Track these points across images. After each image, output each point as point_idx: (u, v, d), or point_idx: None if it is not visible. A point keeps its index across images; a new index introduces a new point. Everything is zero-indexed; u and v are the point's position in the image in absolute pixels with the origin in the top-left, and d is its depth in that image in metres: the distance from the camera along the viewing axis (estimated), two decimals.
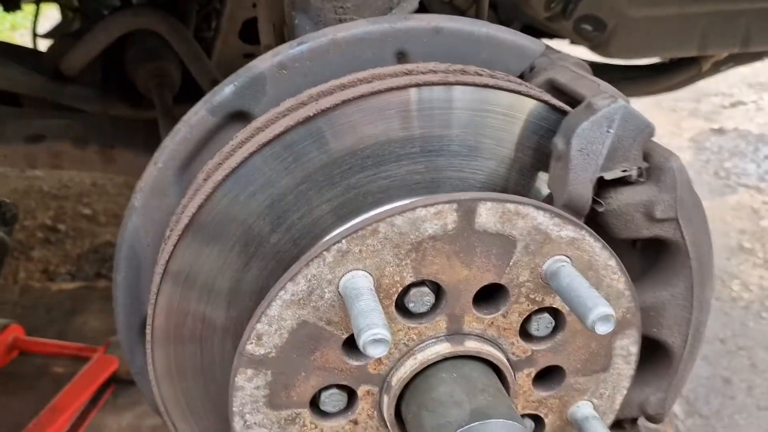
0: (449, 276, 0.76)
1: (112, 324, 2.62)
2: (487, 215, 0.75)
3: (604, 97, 0.81)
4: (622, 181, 0.84)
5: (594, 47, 1.52)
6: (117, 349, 2.15)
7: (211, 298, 0.84)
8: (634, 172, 0.84)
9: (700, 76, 1.92)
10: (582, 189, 0.81)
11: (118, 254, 0.92)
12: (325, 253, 0.74)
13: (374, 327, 0.66)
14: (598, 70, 1.11)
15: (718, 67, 1.96)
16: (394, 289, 0.76)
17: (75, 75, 1.70)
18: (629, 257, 0.90)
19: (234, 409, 0.78)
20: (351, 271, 0.74)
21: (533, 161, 0.88)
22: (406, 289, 0.77)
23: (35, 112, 1.69)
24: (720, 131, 4.57)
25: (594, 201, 0.84)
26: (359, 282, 0.73)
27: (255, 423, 0.79)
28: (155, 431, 2.02)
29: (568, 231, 0.77)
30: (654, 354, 0.94)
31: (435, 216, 0.74)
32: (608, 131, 0.80)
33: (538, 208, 0.76)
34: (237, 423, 0.79)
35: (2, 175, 3.45)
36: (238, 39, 1.81)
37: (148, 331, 0.85)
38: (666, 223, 0.85)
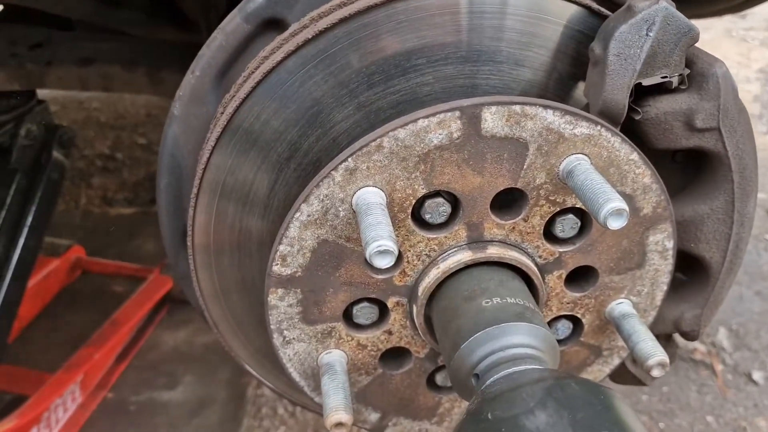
0: (462, 185, 0.76)
1: None
2: (493, 120, 0.74)
3: None
4: (662, 89, 0.81)
5: None
6: (172, 270, 2.25)
7: (247, 207, 0.86)
8: (675, 79, 0.81)
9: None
10: (618, 95, 0.79)
11: (161, 162, 0.95)
12: (333, 172, 0.74)
13: (379, 239, 0.67)
14: None
15: None
16: (408, 202, 0.76)
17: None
18: (668, 170, 0.87)
19: (272, 326, 0.82)
20: (361, 188, 0.75)
21: (572, 69, 0.86)
22: (421, 201, 0.77)
23: (86, 36, 1.73)
24: None
25: (631, 109, 0.81)
26: (369, 198, 0.74)
27: (293, 338, 0.82)
28: (207, 348, 2.13)
29: (582, 128, 0.76)
30: (691, 269, 0.92)
31: (438, 126, 0.74)
32: (648, 34, 0.77)
33: (546, 107, 0.75)
34: (276, 339, 0.82)
35: (62, 106, 3.57)
36: None
37: (189, 238, 0.88)
38: (707, 133, 0.82)
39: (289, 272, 0.78)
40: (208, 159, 0.85)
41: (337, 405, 0.76)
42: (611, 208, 0.68)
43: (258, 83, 0.81)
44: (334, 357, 0.83)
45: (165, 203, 0.96)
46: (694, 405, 1.92)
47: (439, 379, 0.90)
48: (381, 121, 0.82)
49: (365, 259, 0.78)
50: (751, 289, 2.37)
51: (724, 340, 2.16)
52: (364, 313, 0.83)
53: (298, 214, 0.76)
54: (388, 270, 0.80)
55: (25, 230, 1.66)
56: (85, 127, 3.45)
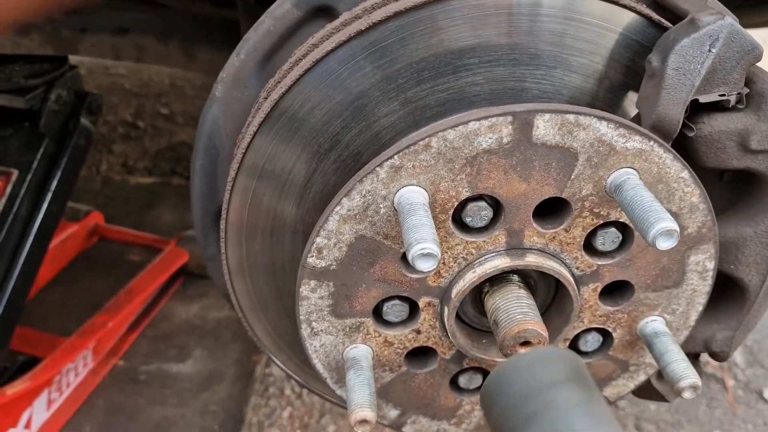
0: (507, 190, 0.75)
1: (184, 219, 2.73)
2: (545, 127, 0.73)
3: (710, 14, 0.75)
4: (718, 107, 0.80)
5: None
6: (188, 243, 2.25)
7: (283, 194, 0.85)
8: (732, 98, 0.79)
9: None
10: (673, 111, 0.77)
11: (198, 142, 0.94)
12: (378, 169, 0.73)
13: (423, 241, 0.66)
14: None
15: None
16: (450, 203, 0.75)
17: None
18: (715, 188, 0.86)
19: (301, 317, 0.81)
20: (405, 186, 0.74)
21: (624, 79, 0.84)
22: (463, 204, 0.76)
23: (123, 5, 1.72)
24: None
25: (684, 125, 0.79)
26: (412, 197, 0.73)
27: (321, 330, 0.82)
28: (219, 323, 2.13)
29: (634, 142, 0.74)
30: (727, 290, 0.91)
31: (489, 129, 0.72)
32: (710, 50, 0.75)
33: (600, 118, 0.73)
34: (304, 330, 0.82)
35: (89, 70, 3.56)
36: None
37: (222, 220, 0.88)
38: (761, 155, 0.80)
39: (323, 265, 0.78)
40: (250, 142, 0.84)
41: (362, 402, 0.76)
42: (662, 229, 0.66)
43: (306, 71, 0.80)
44: (361, 352, 0.82)
45: (198, 184, 0.95)
46: (702, 418, 1.91)
47: (463, 381, 0.90)
48: (426, 118, 0.81)
49: (402, 259, 0.78)
50: None
51: (737, 356, 2.14)
52: (395, 310, 0.82)
53: (338, 208, 0.75)
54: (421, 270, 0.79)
55: (50, 195, 1.66)
56: (110, 93, 3.44)
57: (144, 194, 2.72)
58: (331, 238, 0.76)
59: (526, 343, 0.76)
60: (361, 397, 0.76)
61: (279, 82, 0.84)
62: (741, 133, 0.79)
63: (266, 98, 0.84)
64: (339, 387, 0.86)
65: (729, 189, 0.87)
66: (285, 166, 0.84)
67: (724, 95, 0.79)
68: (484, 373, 0.89)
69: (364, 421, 0.75)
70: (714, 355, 0.94)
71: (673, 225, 0.66)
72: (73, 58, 1.85)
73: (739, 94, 0.79)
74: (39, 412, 1.71)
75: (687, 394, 0.77)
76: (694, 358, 0.96)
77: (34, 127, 1.66)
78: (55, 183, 1.67)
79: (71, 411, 1.81)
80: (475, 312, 0.86)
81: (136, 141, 3.12)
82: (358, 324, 0.82)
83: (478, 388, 0.90)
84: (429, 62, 0.80)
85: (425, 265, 0.66)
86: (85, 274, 2.25)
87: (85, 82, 3.40)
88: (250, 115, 0.88)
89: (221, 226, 0.89)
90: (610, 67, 0.83)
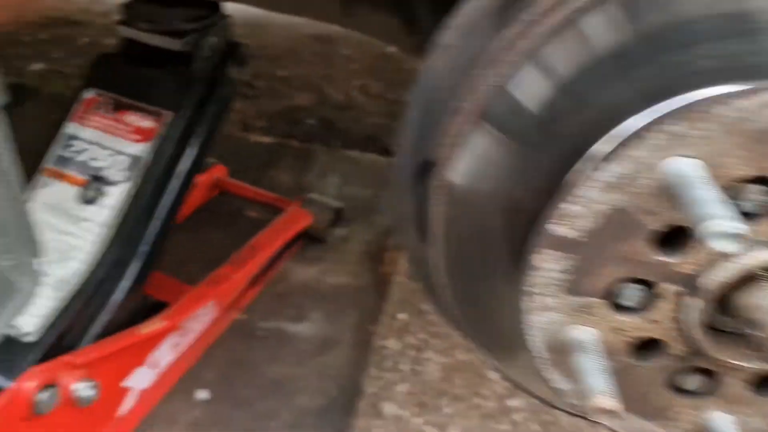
0: None
1: (301, 181, 2.71)
2: None
3: None
4: None
5: None
6: (310, 205, 2.23)
7: (528, 152, 0.78)
8: None
9: None
10: None
11: (415, 92, 0.88)
12: (648, 134, 0.65)
13: (724, 218, 0.58)
14: None
15: None
16: (726, 184, 0.66)
17: None
18: None
19: (525, 287, 0.74)
20: (679, 157, 0.65)
21: None
22: (740, 185, 0.67)
23: None
24: None
25: None
26: (688, 169, 0.64)
27: (546, 306, 0.74)
28: (336, 289, 2.11)
29: None
30: None
31: None
32: None
33: None
34: (526, 303, 0.75)
35: None
36: None
37: (436, 177, 0.81)
38: None
39: (568, 234, 0.70)
40: (479, 97, 0.78)
41: (602, 388, 0.69)
42: None
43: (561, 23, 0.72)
44: (587, 335, 0.75)
45: (408, 137, 0.89)
46: None
47: (682, 381, 0.81)
48: (697, 85, 0.72)
49: (652, 239, 0.70)
50: None
51: None
52: (632, 294, 0.74)
53: (596, 173, 0.68)
54: (673, 252, 0.71)
55: (196, 140, 1.66)
56: None
57: (262, 153, 2.72)
58: (583, 205, 0.69)
59: None
60: (599, 384, 0.69)
61: (522, 34, 0.76)
62: None
63: (506, 47, 0.77)
64: (554, 370, 0.79)
65: None
66: (532, 118, 0.76)
67: None
68: (710, 376, 0.80)
69: (605, 410, 0.67)
70: None
71: None
72: None
73: None
74: (164, 354, 1.73)
75: None
76: None
77: (187, 71, 1.66)
78: (201, 129, 1.66)
79: (193, 358, 1.82)
80: (714, 308, 0.77)
81: (253, 101, 3.13)
82: (590, 304, 0.74)
83: (698, 392, 0.81)
84: (706, 22, 0.71)
85: (724, 246, 0.58)
86: (207, 225, 2.27)
87: None
88: (478, 67, 0.81)
89: (434, 183, 0.83)
90: None
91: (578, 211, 0.69)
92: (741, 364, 0.75)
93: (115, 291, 1.52)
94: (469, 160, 0.80)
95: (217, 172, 2.37)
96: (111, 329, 1.54)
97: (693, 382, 0.81)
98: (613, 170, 0.67)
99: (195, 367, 1.81)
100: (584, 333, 0.75)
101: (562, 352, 0.77)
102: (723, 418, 0.82)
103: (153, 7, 1.66)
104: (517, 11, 0.81)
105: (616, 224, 0.69)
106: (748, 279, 0.72)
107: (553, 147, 0.76)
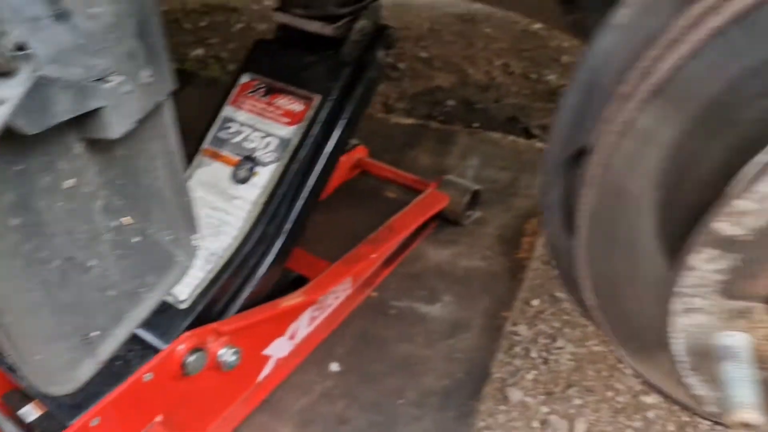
0: None
1: (441, 163, 2.73)
2: None
3: None
4: None
5: None
6: (447, 187, 2.24)
7: (699, 133, 0.72)
8: None
9: None
10: None
11: (577, 74, 0.84)
12: None
13: None
14: None
15: None
16: None
17: None
18: None
19: (677, 288, 0.70)
20: None
21: None
22: None
23: None
24: None
25: None
26: None
27: (699, 308, 0.70)
28: (469, 273, 2.10)
29: None
30: None
31: None
32: None
33: None
34: (676, 304, 0.71)
35: None
36: None
37: (593, 163, 0.77)
38: None
39: (735, 233, 0.65)
40: (660, 77, 0.71)
41: (746, 400, 0.64)
42: None
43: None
44: (739, 342, 0.70)
45: (565, 121, 0.85)
46: None
47: None
48: None
49: None
50: None
51: None
52: None
53: None
54: None
55: (342, 123, 1.71)
56: None
57: (402, 134, 2.76)
58: (757, 202, 0.63)
59: None
60: (744, 395, 0.64)
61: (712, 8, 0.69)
62: None
63: (692, 25, 0.70)
64: (694, 375, 0.75)
65: None
66: (712, 101, 0.70)
67: None
68: None
69: (746, 425, 0.63)
70: None
71: None
72: None
73: None
74: (302, 326, 1.82)
75: None
76: None
77: (337, 55, 1.71)
78: (348, 112, 1.71)
79: (327, 331, 1.91)
80: None
81: (396, 82, 3.17)
82: (747, 309, 0.69)
83: None
84: None
85: None
86: (346, 204, 2.35)
87: None
88: (656, 48, 0.75)
89: (588, 173, 0.78)
90: None
91: (751, 207, 0.64)
92: None
93: (261, 265, 1.63)
94: (631, 147, 0.76)
95: (359, 152, 2.44)
96: (255, 301, 1.65)
97: None
98: None
99: (329, 340, 1.89)
100: (737, 340, 0.70)
101: (707, 357, 0.72)
102: None
103: None
104: None
105: None
106: None
107: (730, 135, 0.70)
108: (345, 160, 2.38)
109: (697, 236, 0.66)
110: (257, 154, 1.65)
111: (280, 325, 1.75)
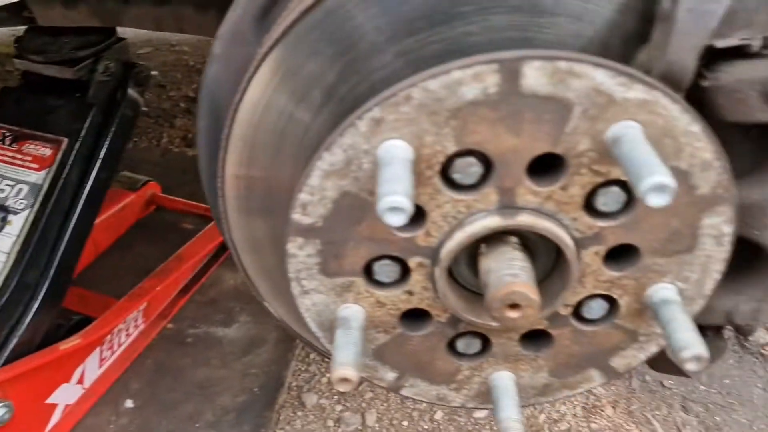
0: (496, 145, 0.70)
1: None
2: (536, 76, 0.67)
3: None
4: (740, 53, 0.72)
5: None
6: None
7: (280, 150, 0.84)
8: (756, 42, 0.72)
9: None
10: (685, 57, 0.71)
11: (200, 103, 0.94)
12: (358, 122, 0.70)
13: (393, 194, 0.62)
14: None
15: None
16: (436, 159, 0.71)
17: None
18: (739, 146, 0.78)
19: (290, 275, 0.80)
20: (387, 140, 0.71)
21: (639, 27, 0.78)
22: (451, 160, 0.72)
23: None
24: None
25: (699, 74, 0.73)
26: (394, 151, 0.69)
27: (311, 289, 0.81)
28: None
29: (636, 92, 0.68)
30: (752, 259, 0.83)
31: (473, 79, 0.67)
32: None
33: (597, 65, 0.67)
34: (295, 288, 0.81)
35: (155, 48, 3.69)
36: None
37: (219, 172, 0.88)
38: None
39: (309, 221, 0.76)
40: (241, 97, 0.84)
41: (345, 360, 0.74)
42: (653, 183, 0.60)
43: (294, 22, 0.78)
44: (352, 312, 0.81)
45: (204, 145, 0.96)
46: (756, 402, 1.79)
47: (461, 345, 0.87)
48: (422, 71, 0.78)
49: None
50: None
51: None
52: (385, 270, 0.80)
53: (320, 163, 0.73)
54: (409, 228, 0.76)
55: (98, 163, 1.72)
56: (174, 70, 3.55)
57: None
58: (315, 194, 0.75)
59: (514, 306, 0.72)
60: (344, 356, 0.75)
61: (272, 36, 0.82)
62: (765, 83, 0.72)
63: (261, 53, 0.83)
64: (329, 344, 0.85)
65: (756, 147, 0.80)
66: (280, 119, 0.83)
67: (746, 39, 0.71)
68: (483, 338, 0.86)
69: (345, 380, 0.73)
70: (738, 329, 0.87)
71: (667, 179, 0.60)
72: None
73: (764, 38, 0.72)
74: (91, 368, 1.80)
75: (690, 366, 0.72)
76: (714, 331, 0.89)
77: (82, 97, 1.72)
78: (103, 151, 1.73)
79: (122, 369, 1.89)
80: (470, 274, 0.82)
81: (192, 118, 3.20)
82: (349, 283, 0.80)
83: (477, 354, 0.87)
84: (420, 11, 0.77)
85: (393, 219, 0.63)
86: (141, 240, 2.34)
87: (151, 59, 3.50)
88: (247, 72, 0.87)
89: (218, 179, 0.89)
90: (624, 14, 0.77)
91: (311, 199, 0.75)
92: (477, 321, 0.80)
93: (27, 313, 1.59)
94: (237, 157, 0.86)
95: (151, 188, 2.44)
96: (29, 349, 1.61)
97: (471, 345, 0.87)
98: (333, 158, 0.73)
99: (123, 377, 1.88)
100: (350, 310, 0.81)
101: (333, 329, 0.83)
102: (504, 376, 0.87)
103: (44, 38, 1.73)
104: (273, 19, 0.87)
105: (347, 207, 0.75)
106: (491, 243, 0.78)
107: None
108: (137, 199, 2.38)
109: (287, 227, 0.77)
110: (9, 203, 1.63)
111: (63, 370, 1.72)
